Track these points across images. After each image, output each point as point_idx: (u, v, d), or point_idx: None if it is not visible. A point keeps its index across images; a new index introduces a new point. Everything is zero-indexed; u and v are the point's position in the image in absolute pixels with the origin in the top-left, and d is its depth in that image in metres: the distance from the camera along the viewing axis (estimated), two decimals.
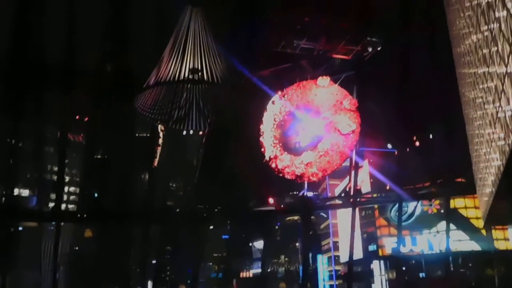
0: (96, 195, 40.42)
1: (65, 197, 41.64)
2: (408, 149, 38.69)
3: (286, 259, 63.06)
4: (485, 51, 12.47)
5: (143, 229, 34.66)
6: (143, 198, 37.32)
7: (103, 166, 39.96)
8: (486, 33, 12.02)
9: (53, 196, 35.47)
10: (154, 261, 41.50)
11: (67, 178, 42.07)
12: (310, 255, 45.97)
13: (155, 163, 39.08)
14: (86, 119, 40.13)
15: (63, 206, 39.93)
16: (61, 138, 35.78)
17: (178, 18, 26.67)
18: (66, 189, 42.03)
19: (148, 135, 39.12)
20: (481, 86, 14.52)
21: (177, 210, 42.33)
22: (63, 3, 32.03)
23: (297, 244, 57.72)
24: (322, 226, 58.23)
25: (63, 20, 31.74)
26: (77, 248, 41.68)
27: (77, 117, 39.37)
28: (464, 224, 40.64)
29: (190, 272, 42.50)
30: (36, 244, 37.22)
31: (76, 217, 37.59)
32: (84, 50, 32.97)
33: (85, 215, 36.06)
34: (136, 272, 39.19)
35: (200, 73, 25.08)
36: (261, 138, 32.96)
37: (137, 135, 39.72)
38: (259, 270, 54.71)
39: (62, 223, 34.20)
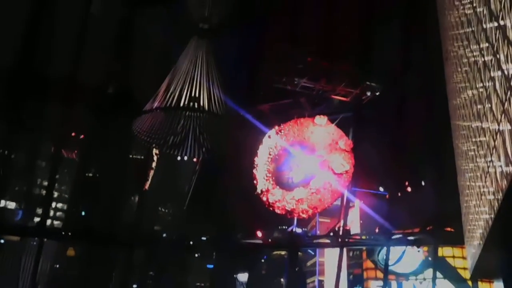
0: (83, 213, 39.86)
1: (51, 213, 40.92)
2: (399, 194, 38.81)
3: None
4: (480, 106, 12.85)
5: (128, 253, 34.12)
6: (130, 220, 36.83)
7: (94, 185, 39.60)
8: (481, 90, 12.42)
9: (39, 211, 34.98)
10: (135, 286, 40.60)
11: (55, 194, 41.52)
12: None
13: (146, 186, 38.80)
14: (82, 136, 40.05)
15: (49, 222, 39.20)
16: (54, 153, 35.61)
17: (184, 44, 27.25)
18: (53, 205, 41.40)
19: (142, 157, 39.08)
20: (474, 140, 14.86)
21: (164, 235, 41.70)
22: (71, 18, 32.62)
23: (282, 279, 56.74)
24: (309, 263, 57.43)
25: (69, 35, 32.25)
26: (57, 266, 40.69)
27: (73, 133, 39.29)
28: (451, 273, 40.28)
29: None
30: (15, 259, 36.36)
31: (60, 234, 36.95)
32: (87, 67, 33.33)
33: (69, 233, 35.49)
34: None
35: (198, 102, 25.45)
36: (254, 171, 33.09)
37: (131, 156, 39.64)
38: None
39: (45, 240, 33.59)
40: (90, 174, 41.42)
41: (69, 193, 42.15)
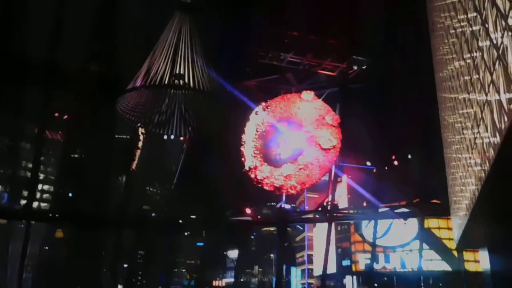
0: (70, 195, 39.51)
1: (38, 196, 40.50)
2: (386, 168, 39.16)
3: (260, 269, 62.77)
4: (467, 78, 12.76)
5: (117, 233, 34.05)
6: (118, 200, 36.64)
7: (80, 166, 39.16)
8: (468, 61, 12.31)
9: (26, 194, 34.58)
10: (125, 266, 40.70)
11: (41, 176, 40.99)
12: (284, 267, 45.80)
13: (133, 166, 38.48)
14: (66, 117, 39.32)
15: (35, 204, 38.82)
16: (38, 135, 34.99)
17: (166, 23, 26.61)
18: (39, 187, 40.92)
19: (128, 137, 38.62)
20: (460, 112, 14.84)
21: (153, 215, 41.69)
22: (50, 2, 31.64)
23: (271, 255, 57.54)
24: (298, 238, 58.32)
25: (48, 17, 31.32)
26: (46, 248, 40.50)
27: (56, 114, 38.53)
28: (436, 244, 41.24)
29: (163, 278, 41.82)
30: (2, 242, 36.05)
31: (48, 216, 36.67)
32: (68, 48, 32.49)
33: (57, 215, 35.22)
34: (106, 276, 38.30)
35: (184, 79, 25.03)
36: (242, 148, 32.96)
37: (117, 136, 39.14)
38: (232, 280, 54.27)
39: (33, 222, 33.30)
40: (76, 155, 40.95)
41: (55, 175, 41.66)
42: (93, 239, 36.60)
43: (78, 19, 33.59)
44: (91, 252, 36.66)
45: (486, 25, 9.39)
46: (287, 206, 36.76)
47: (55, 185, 41.96)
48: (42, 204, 41.54)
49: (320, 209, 33.99)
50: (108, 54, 34.62)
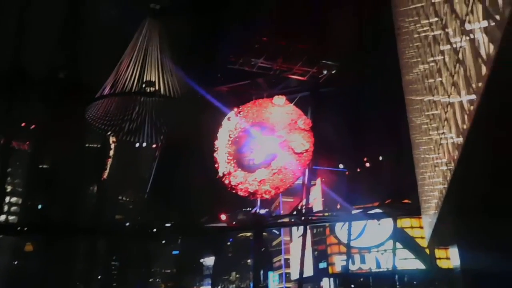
0: (40, 206, 38.41)
1: (5, 209, 39.19)
2: (359, 170, 39.69)
3: (237, 275, 62.48)
4: (431, 80, 13.09)
5: (89, 243, 33.31)
6: (90, 210, 35.87)
7: (49, 176, 38.14)
8: (432, 64, 12.63)
9: None
10: (99, 277, 39.82)
11: (8, 188, 39.70)
12: (262, 272, 45.74)
13: (105, 175, 37.75)
14: (33, 126, 38.26)
15: (3, 217, 37.56)
16: (4, 145, 33.91)
17: (136, 30, 26.35)
18: (6, 200, 39.60)
19: (99, 146, 37.94)
20: (426, 113, 15.19)
21: (126, 224, 40.93)
22: (15, 8, 30.81)
23: (248, 260, 57.39)
24: (274, 243, 58.31)
25: (13, 25, 30.50)
26: (16, 263, 39.19)
27: (23, 124, 37.43)
28: (409, 243, 41.96)
29: None
30: None
31: (16, 229, 35.48)
32: (35, 56, 31.70)
33: (25, 228, 34.12)
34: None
35: (155, 86, 24.80)
36: (215, 154, 32.82)
37: (87, 145, 38.37)
38: (209, 287, 53.85)
39: (0, 236, 32.22)
40: (45, 165, 39.84)
41: (23, 186, 40.41)
42: (64, 251, 35.64)
43: (45, 27, 32.85)
44: (63, 264, 35.68)
45: (447, 30, 9.63)
46: (262, 211, 36.78)
47: (23, 197, 40.72)
48: (10, 217, 40.25)
49: (295, 213, 34.12)
50: (77, 62, 33.97)
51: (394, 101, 26.56)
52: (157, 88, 25.13)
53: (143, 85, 25.12)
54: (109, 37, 32.43)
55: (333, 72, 33.34)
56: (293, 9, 31.62)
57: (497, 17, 5.94)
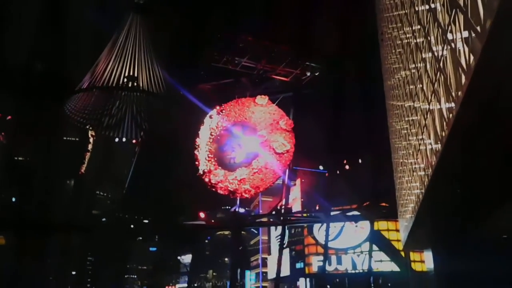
0: (14, 199, 37.51)
1: None
2: (338, 172, 40.06)
3: (214, 274, 62.34)
4: (412, 87, 13.30)
5: (64, 239, 32.75)
6: (66, 205, 35.24)
7: (24, 169, 37.29)
8: (413, 71, 12.84)
9: None
10: (74, 273, 39.18)
11: None
12: (239, 270, 45.74)
13: (83, 170, 37.14)
14: (9, 117, 37.34)
15: None
16: None
17: (118, 23, 26.01)
18: None
19: (77, 139, 37.30)
20: (406, 119, 15.45)
21: (103, 219, 40.40)
22: None
23: (226, 259, 57.37)
24: (252, 242, 58.41)
25: None
26: None
27: None
28: (385, 245, 42.53)
29: (113, 286, 40.60)
30: None
31: None
32: (12, 46, 30.93)
33: None
34: (53, 283, 36.72)
35: (136, 81, 24.52)
36: (196, 152, 32.66)
37: (65, 138, 37.64)
38: (186, 285, 53.53)
39: None
40: (20, 158, 38.94)
41: None
42: (38, 246, 34.90)
43: (23, 17, 32.06)
44: (37, 259, 34.96)
45: (429, 38, 9.79)
46: (242, 210, 36.77)
47: None
48: None
49: (274, 212, 34.23)
50: (56, 53, 33.28)
51: (375, 105, 26.91)
52: (138, 83, 24.81)
53: (125, 80, 24.76)
54: (89, 31, 31.91)
55: (316, 74, 33.61)
56: (278, 10, 31.73)
57: (478, 28, 6.06)
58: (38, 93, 31.61)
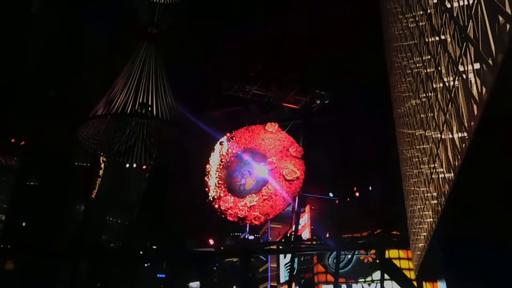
0: (24, 224, 37.61)
1: None
2: (348, 199, 39.79)
3: None
4: (423, 115, 13.36)
5: (72, 264, 32.57)
6: (76, 230, 35.23)
7: (35, 193, 37.51)
8: (424, 100, 12.91)
9: None
10: None
11: None
12: None
13: (93, 195, 37.27)
14: (23, 143, 37.84)
15: None
16: None
17: (130, 51, 26.63)
18: None
19: (89, 165, 37.58)
20: (417, 147, 15.44)
21: (111, 245, 40.19)
22: (9, 24, 30.98)
23: (234, 286, 56.46)
24: (261, 269, 57.57)
25: (4, 38, 30.60)
26: None
27: (13, 140, 37.02)
28: (397, 274, 41.72)
29: None
30: None
31: None
32: (27, 73, 31.67)
33: (8, 246, 33.32)
34: None
35: (148, 108, 24.92)
36: (206, 178, 32.77)
37: (76, 164, 37.96)
38: None
39: None
40: (32, 182, 39.22)
41: (8, 203, 39.64)
42: (47, 271, 34.73)
43: (38, 43, 32.96)
44: (45, 285, 34.73)
45: (439, 68, 9.89)
46: (251, 237, 36.50)
47: (7, 214, 39.87)
48: None
49: (283, 240, 33.93)
50: (69, 80, 33.99)
51: (386, 133, 26.95)
52: (150, 110, 25.21)
53: (137, 107, 25.19)
54: (103, 57, 32.67)
55: (326, 102, 33.89)
56: (287, 38, 32.29)
57: (490, 61, 6.15)
58: (51, 118, 32.14)
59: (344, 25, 29.02)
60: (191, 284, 53.76)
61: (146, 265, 40.18)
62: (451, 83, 8.70)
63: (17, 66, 30.46)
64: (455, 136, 8.75)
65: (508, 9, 5.19)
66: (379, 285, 36.98)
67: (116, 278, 39.35)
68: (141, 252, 33.99)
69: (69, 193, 36.90)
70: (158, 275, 46.41)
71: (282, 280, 47.94)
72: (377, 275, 40.47)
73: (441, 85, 9.84)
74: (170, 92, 26.09)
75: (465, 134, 7.89)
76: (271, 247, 39.58)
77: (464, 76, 7.69)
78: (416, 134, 15.25)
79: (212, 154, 33.10)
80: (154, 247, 35.31)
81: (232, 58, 31.94)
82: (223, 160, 32.72)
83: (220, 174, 32.30)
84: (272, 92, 33.48)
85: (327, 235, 35.57)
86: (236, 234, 37.11)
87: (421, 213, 16.20)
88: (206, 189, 32.28)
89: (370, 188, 38.55)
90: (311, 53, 31.50)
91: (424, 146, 13.67)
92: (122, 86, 25.26)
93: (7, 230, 38.65)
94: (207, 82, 33.06)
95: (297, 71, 32.61)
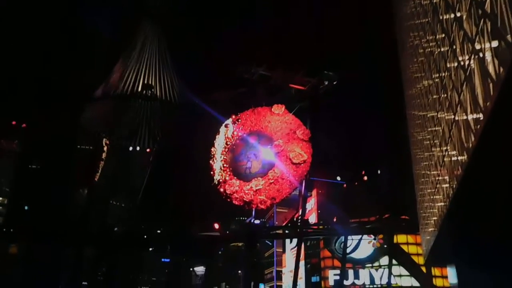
0: (26, 208, 37.60)
1: None
2: (356, 183, 39.29)
3: (227, 286, 61.58)
4: (435, 96, 12.78)
5: (76, 249, 32.56)
6: (79, 214, 35.18)
7: (38, 177, 37.39)
8: (436, 80, 12.33)
9: None
10: (85, 283, 38.99)
11: None
12: (252, 283, 45.01)
13: (96, 178, 37.04)
14: (24, 125, 37.56)
15: None
16: None
17: (131, 31, 26.07)
18: None
19: (91, 148, 37.25)
20: (429, 129, 14.88)
21: (115, 229, 40.18)
22: (9, 11, 30.54)
23: (239, 271, 56.65)
24: (267, 254, 57.61)
25: (4, 23, 30.19)
26: None
27: (13, 122, 36.72)
28: (405, 259, 41.42)
29: None
30: None
31: (1, 231, 34.69)
32: (26, 56, 31.26)
33: (11, 230, 33.36)
34: None
35: (152, 89, 24.49)
36: (211, 161, 32.39)
37: (79, 147, 37.67)
38: None
39: None
40: (34, 166, 39.08)
41: (10, 187, 39.57)
42: (50, 256, 34.82)
43: (37, 26, 32.46)
44: (48, 270, 34.87)
45: (454, 47, 9.40)
46: (257, 221, 36.22)
47: (9, 198, 39.88)
48: None
49: (290, 224, 33.61)
50: (70, 62, 33.49)
51: (395, 115, 26.36)
52: (154, 91, 24.75)
53: (141, 88, 24.74)
54: (104, 39, 32.04)
55: (334, 83, 33.09)
56: (295, 18, 31.57)
57: (509, 38, 5.69)
58: (52, 101, 31.82)
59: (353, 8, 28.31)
60: (195, 268, 54.01)
61: (150, 249, 40.12)
62: (466, 62, 8.21)
63: (14, 47, 29.97)
64: (469, 117, 8.31)
65: None
66: (386, 270, 36.69)
67: (120, 263, 39.48)
68: (145, 237, 33.90)
69: (72, 177, 36.77)
70: (162, 260, 46.56)
71: (288, 265, 47.89)
72: (384, 260, 40.23)
73: (456, 64, 9.34)
74: (174, 73, 25.55)
75: (480, 115, 7.46)
76: (277, 231, 39.32)
77: (481, 55, 7.24)
78: (428, 115, 14.68)
79: (217, 136, 32.62)
80: (158, 231, 35.20)
81: (238, 41, 31.30)
82: (228, 143, 32.23)
83: (225, 157, 31.87)
84: (279, 73, 32.79)
85: (334, 220, 35.16)
86: (241, 218, 36.87)
87: (432, 197, 15.75)
88: (211, 173, 31.91)
89: (379, 172, 37.97)
90: (320, 33, 30.78)
91: (436, 128, 13.14)
92: (123, 66, 24.77)
93: (10, 214, 38.74)
94: (212, 64, 32.48)
95: (304, 51, 31.90)
